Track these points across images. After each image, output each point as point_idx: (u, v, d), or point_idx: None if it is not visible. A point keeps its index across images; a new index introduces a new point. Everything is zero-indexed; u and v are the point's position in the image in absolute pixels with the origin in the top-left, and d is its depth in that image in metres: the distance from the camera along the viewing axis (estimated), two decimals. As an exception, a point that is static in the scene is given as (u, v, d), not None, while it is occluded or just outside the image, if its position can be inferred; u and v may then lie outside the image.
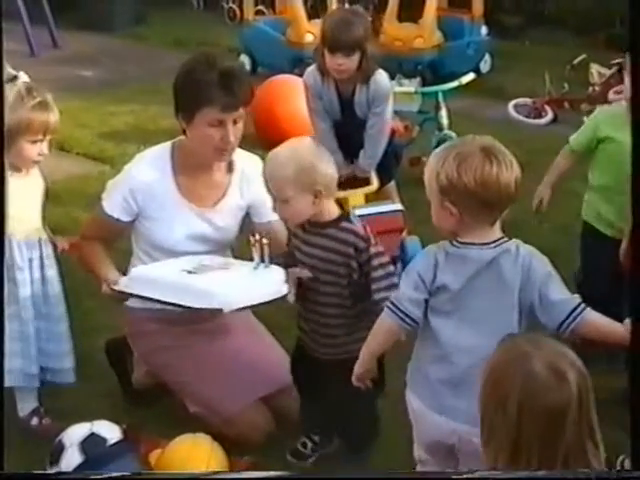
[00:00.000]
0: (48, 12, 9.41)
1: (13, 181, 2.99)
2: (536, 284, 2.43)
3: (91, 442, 2.85)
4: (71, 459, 2.81)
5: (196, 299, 2.96)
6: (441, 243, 2.51)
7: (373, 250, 2.90)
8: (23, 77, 3.22)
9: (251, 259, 3.06)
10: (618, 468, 2.59)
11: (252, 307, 3.13)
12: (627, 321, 2.37)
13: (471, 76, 5.80)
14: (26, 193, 3.22)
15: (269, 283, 3.00)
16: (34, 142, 3.17)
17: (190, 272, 3.07)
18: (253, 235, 3.05)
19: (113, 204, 3.30)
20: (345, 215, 2.97)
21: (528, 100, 7.25)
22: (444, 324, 2.50)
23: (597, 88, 7.00)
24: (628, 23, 2.44)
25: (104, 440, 2.87)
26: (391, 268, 2.93)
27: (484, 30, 8.32)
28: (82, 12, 10.33)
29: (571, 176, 3.88)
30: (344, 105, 4.41)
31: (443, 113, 5.65)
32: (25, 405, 3.36)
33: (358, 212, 3.38)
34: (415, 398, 2.60)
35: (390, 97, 4.46)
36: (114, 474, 2.45)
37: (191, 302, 2.98)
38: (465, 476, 2.28)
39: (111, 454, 2.84)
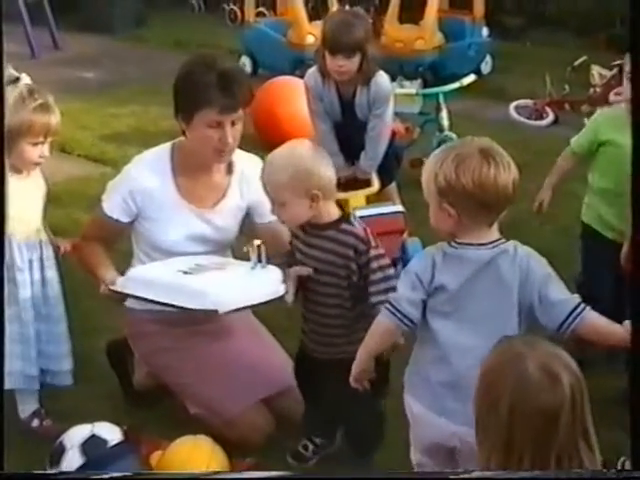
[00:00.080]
0: (49, 14, 9.41)
1: (14, 182, 3.00)
2: (535, 285, 2.43)
3: (92, 444, 2.85)
4: (72, 461, 2.82)
5: (190, 299, 2.96)
6: (439, 244, 2.51)
7: (373, 252, 2.90)
8: (25, 79, 3.22)
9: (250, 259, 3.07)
10: (619, 468, 2.60)
11: (248, 308, 3.13)
12: (627, 322, 2.37)
13: (472, 77, 5.81)
14: (26, 194, 3.22)
15: (266, 283, 3.00)
16: (35, 144, 3.18)
17: (186, 272, 3.07)
18: (253, 237, 3.06)
19: (112, 205, 3.30)
20: (345, 217, 2.97)
21: (529, 101, 7.25)
22: (443, 325, 2.50)
23: (598, 89, 7.00)
24: (629, 24, 2.44)
25: (105, 442, 2.87)
26: (391, 271, 2.92)
27: (485, 31, 8.32)
28: (83, 14, 10.34)
29: (571, 178, 3.88)
30: (345, 107, 4.41)
31: (444, 114, 5.65)
32: (26, 407, 3.36)
33: (359, 214, 3.39)
34: (414, 401, 2.60)
35: (391, 99, 4.46)
36: (115, 474, 2.46)
37: (185, 302, 2.97)
38: (462, 476, 2.28)
39: (112, 456, 2.84)
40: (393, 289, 2.65)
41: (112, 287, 3.14)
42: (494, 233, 2.48)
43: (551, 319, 2.44)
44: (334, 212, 2.97)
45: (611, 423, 2.48)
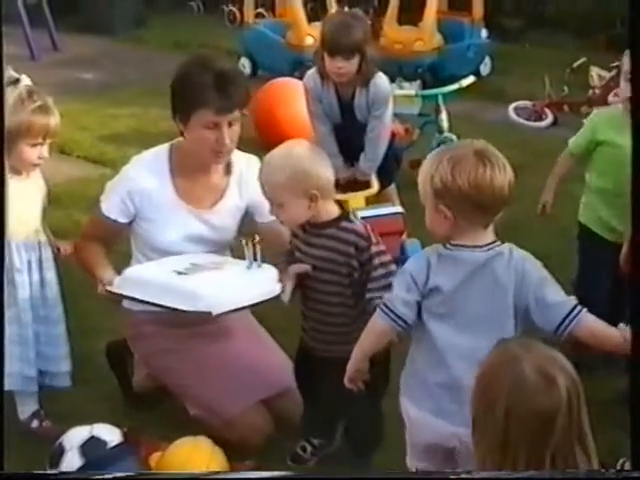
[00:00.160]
0: (48, 15, 9.41)
1: (13, 184, 2.99)
2: (531, 287, 2.43)
3: (91, 445, 2.85)
4: (71, 462, 2.82)
5: (184, 301, 2.93)
6: (435, 246, 2.52)
7: (374, 249, 2.89)
8: (25, 80, 3.22)
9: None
10: (618, 468, 2.60)
11: (244, 309, 3.11)
12: (622, 325, 2.37)
13: (471, 79, 5.81)
14: (26, 196, 3.22)
15: (261, 283, 2.99)
16: (34, 145, 3.18)
17: (180, 273, 3.05)
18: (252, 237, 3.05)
19: (111, 206, 3.30)
20: (345, 214, 2.97)
21: (528, 103, 7.26)
22: (439, 327, 2.50)
23: (597, 91, 7.02)
24: (628, 24, 2.45)
25: (104, 443, 2.87)
26: (392, 267, 2.90)
27: (484, 33, 8.33)
28: (82, 15, 10.35)
29: (569, 178, 3.88)
30: (344, 108, 4.41)
31: (443, 116, 5.65)
32: (25, 408, 3.36)
33: (358, 215, 3.38)
34: (411, 404, 2.60)
35: (390, 100, 4.46)
36: (115, 474, 2.46)
37: (179, 304, 2.95)
38: (462, 476, 2.28)
39: (111, 457, 2.84)
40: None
41: (109, 288, 3.14)
42: (489, 235, 2.49)
43: (548, 321, 2.44)
44: (333, 210, 2.97)
45: (610, 424, 2.48)
